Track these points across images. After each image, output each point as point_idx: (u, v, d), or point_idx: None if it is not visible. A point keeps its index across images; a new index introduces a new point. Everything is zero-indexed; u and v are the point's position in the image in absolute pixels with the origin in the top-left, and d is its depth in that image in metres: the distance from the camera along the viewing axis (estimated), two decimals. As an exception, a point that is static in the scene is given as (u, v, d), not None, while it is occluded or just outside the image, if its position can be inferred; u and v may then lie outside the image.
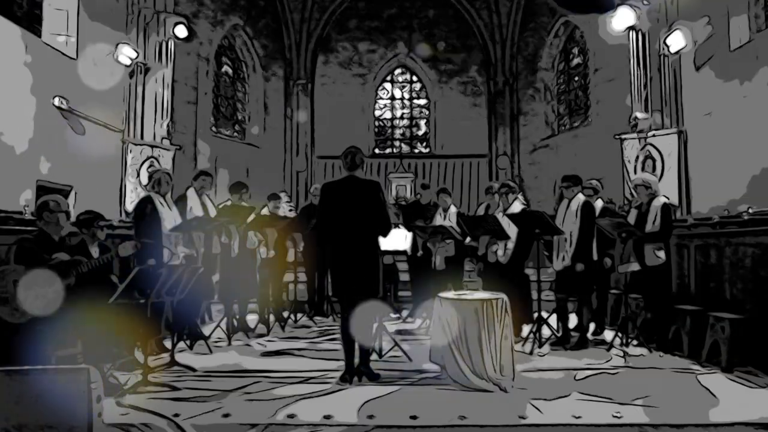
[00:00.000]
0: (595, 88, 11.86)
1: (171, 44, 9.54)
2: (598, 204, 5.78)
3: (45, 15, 7.74)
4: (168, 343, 4.57)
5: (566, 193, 5.29)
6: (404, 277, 7.66)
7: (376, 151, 15.10)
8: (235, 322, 5.81)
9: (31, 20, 7.50)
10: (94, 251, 4.17)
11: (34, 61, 7.07)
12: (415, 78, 15.40)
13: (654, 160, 8.60)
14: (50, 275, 3.60)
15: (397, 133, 15.54)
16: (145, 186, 8.65)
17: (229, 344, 5.31)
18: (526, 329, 5.36)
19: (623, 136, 9.07)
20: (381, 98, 15.44)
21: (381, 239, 4.05)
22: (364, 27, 14.63)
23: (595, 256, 5.19)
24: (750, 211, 5.63)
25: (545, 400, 3.44)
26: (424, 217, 6.74)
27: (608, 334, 5.40)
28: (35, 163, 7.11)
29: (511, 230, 5.30)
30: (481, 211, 6.35)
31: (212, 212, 5.48)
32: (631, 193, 8.26)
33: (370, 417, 3.14)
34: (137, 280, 3.59)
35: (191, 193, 5.43)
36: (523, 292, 5.51)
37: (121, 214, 8.56)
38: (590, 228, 5.07)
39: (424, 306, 6.40)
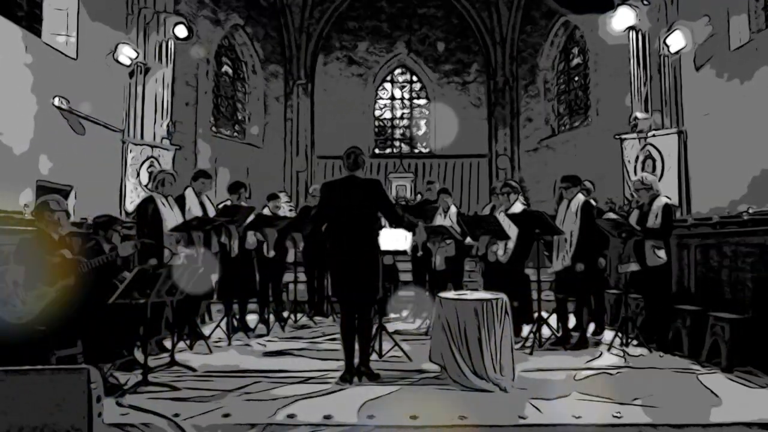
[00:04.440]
0: (595, 88, 11.86)
1: (171, 44, 9.55)
2: (591, 205, 5.78)
3: (45, 15, 7.74)
4: (168, 343, 4.57)
5: (566, 193, 5.30)
6: (404, 277, 7.66)
7: (376, 151, 15.09)
8: (235, 322, 5.81)
9: (31, 20, 7.50)
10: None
11: (34, 61, 7.07)
12: (415, 78, 15.40)
13: (654, 160, 8.60)
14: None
15: (397, 133, 15.54)
16: (146, 186, 8.66)
17: (229, 344, 5.31)
18: (526, 329, 5.36)
19: (623, 136, 9.07)
20: (381, 98, 15.44)
21: (381, 239, 4.05)
22: (364, 27, 14.63)
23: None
24: (750, 211, 5.63)
25: (545, 400, 3.44)
26: (425, 217, 6.74)
27: (608, 334, 5.40)
28: (35, 163, 7.10)
29: (512, 230, 5.30)
30: (486, 212, 6.35)
31: (211, 212, 5.47)
32: (632, 194, 8.27)
33: (370, 417, 3.14)
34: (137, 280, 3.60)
35: (189, 193, 5.41)
36: (523, 292, 5.51)
37: (121, 214, 8.55)
38: (590, 228, 5.07)
39: (424, 306, 6.41)
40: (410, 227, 4.40)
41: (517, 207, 5.55)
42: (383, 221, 4.31)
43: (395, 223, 4.14)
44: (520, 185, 8.06)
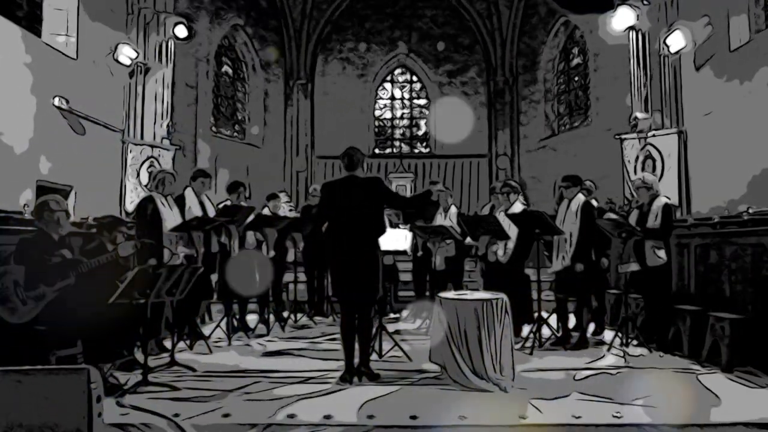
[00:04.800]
0: (595, 88, 11.86)
1: (171, 44, 9.54)
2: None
3: (45, 15, 7.73)
4: (168, 343, 4.57)
5: (566, 193, 5.30)
6: (404, 277, 7.66)
7: (376, 151, 15.08)
8: (235, 322, 5.81)
9: (31, 20, 7.50)
10: None
11: (34, 61, 7.06)
12: (415, 78, 15.39)
13: (654, 160, 8.60)
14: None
15: (397, 133, 15.54)
16: (146, 186, 8.65)
17: (229, 344, 5.31)
18: (526, 329, 5.36)
19: (623, 136, 9.06)
20: (381, 98, 15.43)
21: (382, 239, 4.04)
22: (364, 27, 14.62)
23: (592, 257, 5.19)
24: (750, 211, 5.62)
25: (545, 400, 3.44)
26: (425, 216, 6.74)
27: (608, 334, 5.40)
28: (35, 163, 7.10)
29: (512, 230, 5.30)
30: (486, 211, 6.35)
31: (211, 212, 5.47)
32: (632, 194, 8.27)
33: (370, 417, 3.14)
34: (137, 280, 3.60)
35: (189, 193, 5.40)
36: (523, 292, 5.51)
37: (121, 214, 8.54)
38: (590, 228, 5.07)
39: (423, 306, 6.41)
40: (424, 199, 4.34)
41: (517, 207, 5.55)
42: (386, 222, 4.30)
43: (407, 207, 4.09)
44: (520, 185, 8.05)
